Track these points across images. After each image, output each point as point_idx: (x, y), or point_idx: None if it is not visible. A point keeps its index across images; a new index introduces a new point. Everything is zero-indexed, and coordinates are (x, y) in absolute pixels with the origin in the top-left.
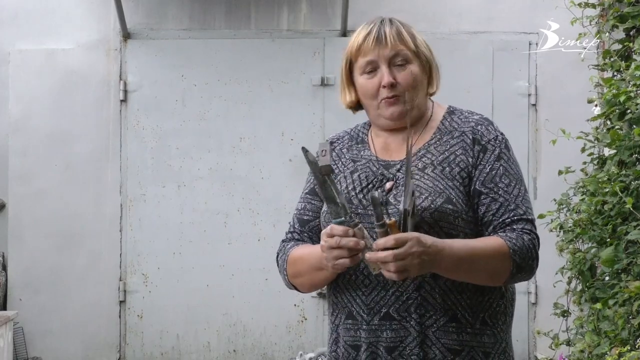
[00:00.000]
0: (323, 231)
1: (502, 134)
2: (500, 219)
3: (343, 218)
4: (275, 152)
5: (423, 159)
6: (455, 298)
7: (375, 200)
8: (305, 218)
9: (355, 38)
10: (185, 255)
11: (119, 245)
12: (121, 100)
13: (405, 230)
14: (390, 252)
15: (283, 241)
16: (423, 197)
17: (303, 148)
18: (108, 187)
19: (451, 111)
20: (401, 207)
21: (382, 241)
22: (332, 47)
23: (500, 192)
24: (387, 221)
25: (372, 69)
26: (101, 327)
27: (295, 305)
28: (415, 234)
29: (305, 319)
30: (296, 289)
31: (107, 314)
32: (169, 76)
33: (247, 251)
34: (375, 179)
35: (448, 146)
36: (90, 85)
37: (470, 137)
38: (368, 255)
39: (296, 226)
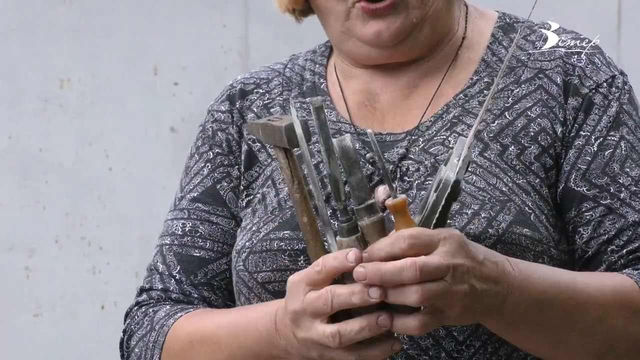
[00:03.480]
0: (300, 278)
1: (622, 73)
2: (624, 245)
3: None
4: (140, 110)
5: (457, 129)
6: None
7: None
8: (196, 254)
9: None
10: None
11: None
12: None
13: (430, 225)
14: (410, 260)
15: (141, 305)
16: (468, 212)
17: (290, 102)
18: None
19: (508, 24)
20: (445, 174)
21: (386, 242)
22: None
23: (622, 195)
24: (390, 200)
25: None
26: None
27: None
28: (456, 232)
29: None
30: None
31: None
32: None
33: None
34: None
35: (511, 100)
36: None
37: (559, 79)
38: (359, 269)
39: (175, 272)
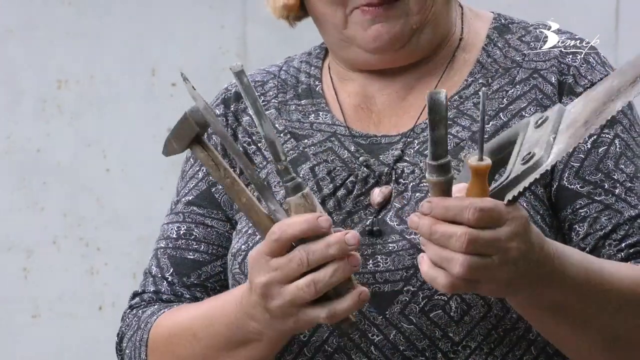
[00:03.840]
0: (267, 241)
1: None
2: (622, 239)
3: (292, 177)
4: (138, 111)
5: (451, 131)
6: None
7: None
8: (190, 257)
9: None
10: None
11: None
12: None
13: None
14: (462, 230)
15: (134, 307)
16: None
17: (182, 75)
18: None
19: (503, 25)
20: (541, 155)
21: (456, 204)
22: None
23: (617, 191)
24: (474, 160)
25: None
26: None
27: None
28: (524, 213)
29: None
30: None
31: None
32: None
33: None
34: (352, 177)
35: (506, 101)
36: None
37: (554, 78)
38: (413, 218)
39: (168, 274)
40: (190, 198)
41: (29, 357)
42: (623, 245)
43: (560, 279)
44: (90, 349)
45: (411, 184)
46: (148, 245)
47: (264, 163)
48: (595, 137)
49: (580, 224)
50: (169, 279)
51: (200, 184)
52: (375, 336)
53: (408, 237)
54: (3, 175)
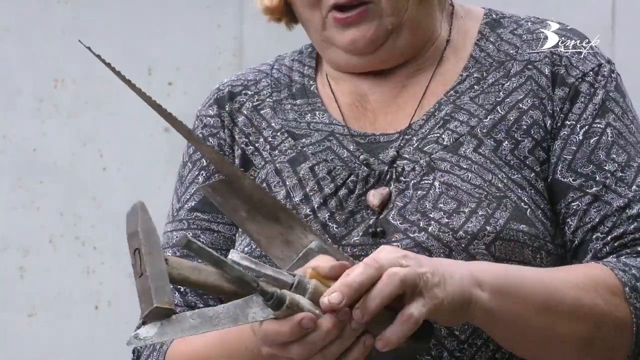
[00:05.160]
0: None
1: (608, 61)
2: (609, 232)
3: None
4: (135, 110)
5: (449, 126)
6: None
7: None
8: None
9: None
10: None
11: None
12: None
13: None
14: (368, 262)
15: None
16: (465, 211)
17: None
18: None
19: (495, 20)
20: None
21: (334, 295)
22: None
23: (608, 182)
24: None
25: None
26: None
27: None
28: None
29: None
30: None
31: None
32: None
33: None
34: (353, 176)
35: (502, 94)
36: None
37: (547, 70)
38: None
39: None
40: (192, 204)
41: (25, 356)
42: (609, 238)
43: (489, 284)
44: (86, 348)
45: (412, 182)
46: None
47: (262, 163)
48: (587, 127)
49: (572, 217)
50: (181, 289)
51: (193, 187)
52: None
53: (412, 236)
54: None
